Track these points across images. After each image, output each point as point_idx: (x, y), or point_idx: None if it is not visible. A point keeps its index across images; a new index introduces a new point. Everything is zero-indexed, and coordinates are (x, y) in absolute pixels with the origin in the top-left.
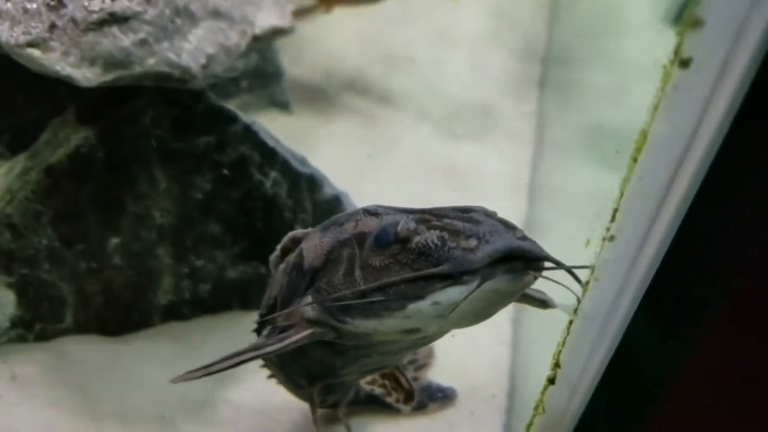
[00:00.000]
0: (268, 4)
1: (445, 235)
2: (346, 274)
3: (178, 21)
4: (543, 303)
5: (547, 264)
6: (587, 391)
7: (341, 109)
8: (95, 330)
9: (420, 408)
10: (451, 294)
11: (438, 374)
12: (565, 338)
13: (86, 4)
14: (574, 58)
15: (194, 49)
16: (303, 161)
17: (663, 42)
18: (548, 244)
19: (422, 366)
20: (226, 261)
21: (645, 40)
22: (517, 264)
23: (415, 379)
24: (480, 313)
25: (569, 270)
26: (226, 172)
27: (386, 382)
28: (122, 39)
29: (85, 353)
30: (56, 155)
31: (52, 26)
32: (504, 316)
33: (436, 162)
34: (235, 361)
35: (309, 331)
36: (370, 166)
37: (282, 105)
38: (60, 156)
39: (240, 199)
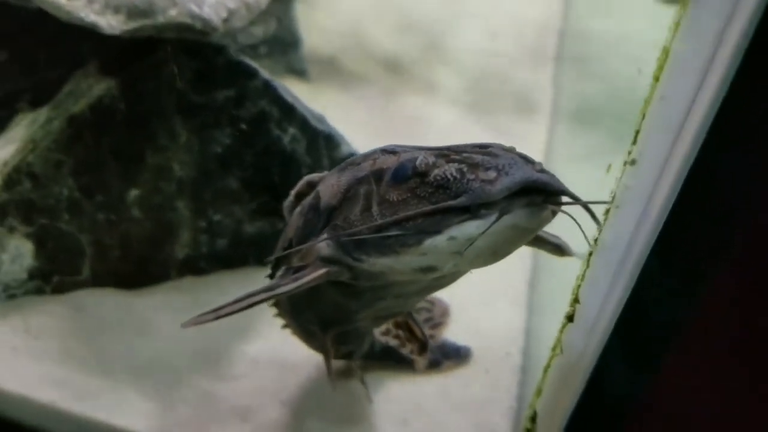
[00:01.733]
0: None
1: (464, 167)
2: (363, 211)
3: None
4: (559, 249)
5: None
6: (605, 330)
7: (358, 77)
8: (112, 283)
9: (435, 366)
10: (468, 229)
11: (453, 334)
12: (585, 271)
13: None
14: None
15: (215, 2)
16: (321, 119)
17: None
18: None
19: (437, 324)
20: (243, 216)
21: None
22: (535, 198)
23: (431, 337)
24: (497, 251)
25: (586, 206)
26: (244, 126)
27: (400, 332)
28: None
29: (101, 306)
30: (78, 105)
31: None
32: (520, 278)
33: (452, 131)
34: (247, 302)
35: (324, 270)
36: (386, 132)
37: (299, 73)
38: (82, 106)
39: (258, 155)
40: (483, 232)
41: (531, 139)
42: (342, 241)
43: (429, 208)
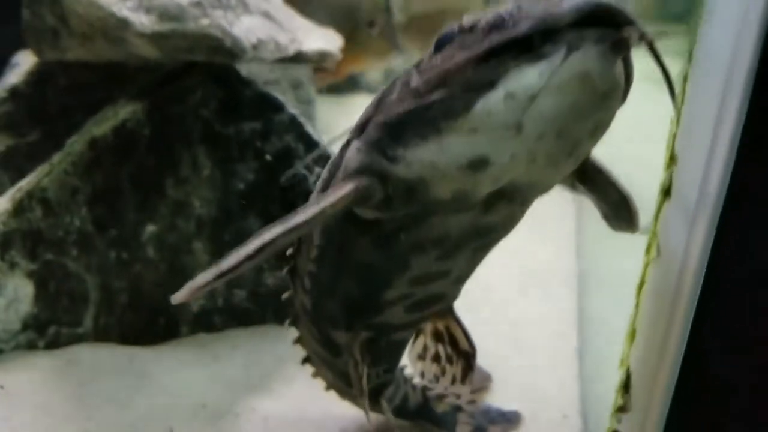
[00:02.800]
0: (318, 34)
1: (521, 2)
2: (400, 92)
3: (233, 1)
4: (624, 205)
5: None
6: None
7: None
8: (116, 337)
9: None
10: (529, 76)
11: (499, 402)
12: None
13: None
14: None
15: (246, 29)
16: None
17: None
18: None
19: (479, 390)
20: (263, 263)
21: None
22: (608, 32)
23: (472, 402)
24: (562, 128)
25: (654, 51)
26: (269, 158)
27: (440, 348)
28: None
29: (98, 357)
30: (102, 128)
31: None
32: (567, 345)
33: None
34: (258, 245)
35: (352, 185)
36: None
37: None
38: (105, 129)
39: (282, 193)
40: (548, 81)
41: None
42: (375, 139)
43: (481, 48)
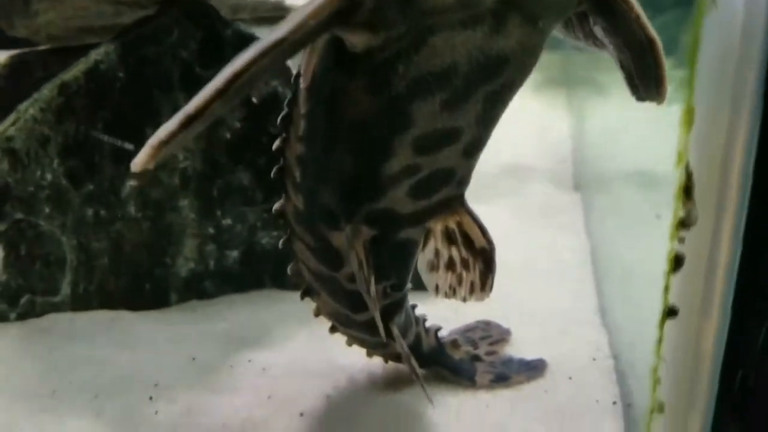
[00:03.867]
0: None
1: None
2: None
3: None
4: (656, 63)
5: None
6: None
7: None
8: (96, 306)
9: (502, 380)
10: None
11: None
12: None
13: None
14: None
15: None
16: None
17: None
18: None
19: (498, 341)
20: (256, 221)
21: None
22: None
23: (492, 353)
24: None
25: None
26: (256, 103)
27: (453, 252)
28: None
29: (74, 326)
30: (72, 71)
31: None
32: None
33: None
34: (229, 75)
35: None
36: None
37: None
38: (76, 72)
39: (272, 143)
40: None
41: None
42: None
43: None
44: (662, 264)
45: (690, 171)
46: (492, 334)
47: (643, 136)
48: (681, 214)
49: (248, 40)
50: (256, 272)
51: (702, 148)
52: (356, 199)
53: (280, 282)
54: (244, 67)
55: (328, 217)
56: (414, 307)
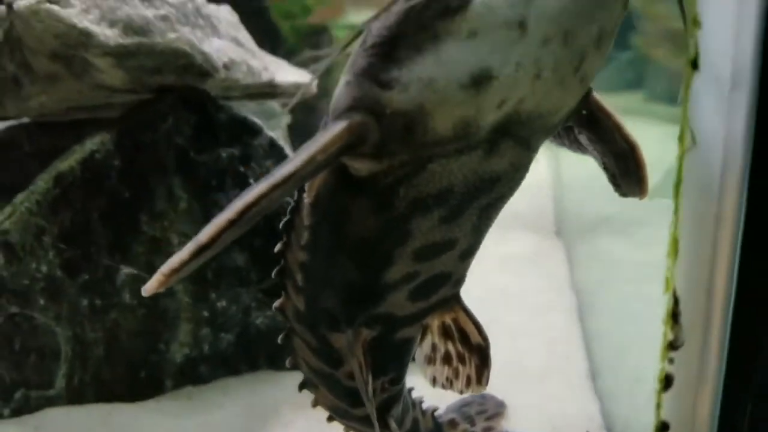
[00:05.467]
0: (291, 69)
1: None
2: (387, 8)
3: (201, 21)
4: (632, 155)
5: None
6: None
7: None
8: (92, 397)
9: None
10: None
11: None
12: None
13: None
14: None
15: (217, 48)
16: None
17: None
18: None
19: (494, 416)
20: (251, 301)
21: None
22: None
23: (489, 429)
24: (568, 22)
25: None
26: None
27: (450, 346)
28: (144, 10)
29: (70, 421)
30: (68, 161)
31: None
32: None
33: None
34: (240, 207)
35: (344, 124)
36: None
37: None
38: (72, 162)
39: (266, 224)
40: None
41: None
42: (365, 66)
43: None
44: (649, 330)
45: (677, 297)
46: (488, 408)
47: None
48: (670, 337)
49: (241, 123)
50: (251, 354)
51: (688, 276)
52: (357, 305)
53: (275, 363)
54: (256, 199)
55: (329, 320)
56: (411, 390)
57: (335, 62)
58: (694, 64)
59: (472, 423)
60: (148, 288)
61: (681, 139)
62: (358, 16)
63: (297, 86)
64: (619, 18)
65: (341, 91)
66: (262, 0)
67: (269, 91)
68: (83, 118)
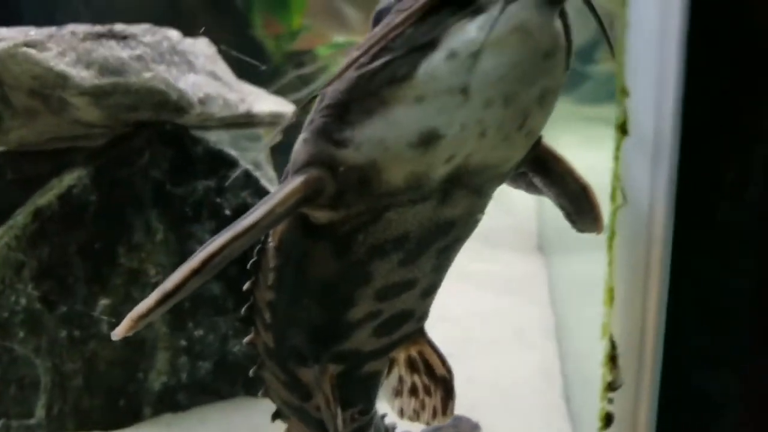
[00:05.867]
0: (269, 98)
1: None
2: (342, 71)
3: (177, 58)
4: (584, 196)
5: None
6: None
7: None
8: (71, 426)
9: None
10: (469, 31)
11: None
12: None
13: (89, 26)
14: None
15: (192, 83)
16: None
17: None
18: None
19: None
20: (228, 329)
21: None
22: None
23: None
24: (508, 85)
25: (590, 3)
26: (228, 213)
27: (416, 379)
28: (119, 51)
29: None
30: (46, 197)
31: (51, 35)
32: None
33: None
34: (204, 257)
35: (301, 179)
36: None
37: None
38: (50, 197)
39: (242, 254)
40: (488, 34)
41: None
42: (321, 126)
43: (418, 5)
44: None
45: (614, 342)
46: (462, 430)
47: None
48: (609, 378)
49: (217, 156)
50: (229, 381)
51: (623, 321)
52: (323, 343)
53: (253, 389)
54: (218, 249)
55: (297, 356)
56: (384, 416)
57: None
58: (623, 129)
59: None
60: (118, 332)
61: (613, 197)
62: (339, 38)
63: (273, 115)
64: (562, 77)
65: (300, 147)
66: (247, 23)
67: (246, 121)
68: (64, 147)
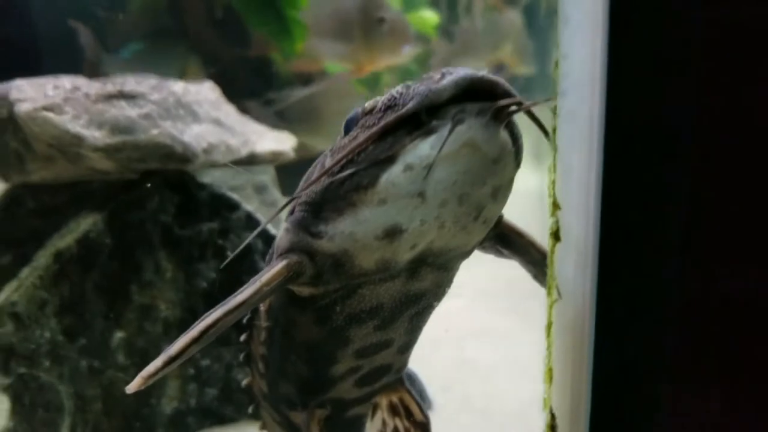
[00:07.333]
0: (270, 136)
1: (410, 83)
2: (319, 173)
3: (182, 111)
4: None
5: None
6: None
7: None
8: None
9: None
10: (423, 149)
11: None
12: None
13: (100, 86)
14: None
15: (196, 135)
16: None
17: None
18: None
19: None
20: (232, 359)
21: None
22: (488, 104)
23: None
24: (462, 194)
25: (531, 113)
26: (229, 253)
27: (397, 423)
28: (129, 110)
29: None
30: (65, 240)
31: (67, 98)
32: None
33: None
34: (202, 328)
35: (283, 263)
36: None
37: None
38: (69, 241)
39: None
40: (439, 152)
41: None
42: (300, 219)
43: (377, 127)
44: None
45: (553, 412)
46: None
47: None
48: None
49: (220, 199)
50: (234, 405)
51: (561, 396)
52: (310, 393)
53: (256, 413)
54: (213, 322)
55: (287, 402)
56: None
57: None
58: (556, 237)
59: None
60: (131, 387)
61: (549, 292)
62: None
63: (274, 153)
64: (513, 173)
65: (282, 235)
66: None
67: (249, 160)
68: (83, 180)
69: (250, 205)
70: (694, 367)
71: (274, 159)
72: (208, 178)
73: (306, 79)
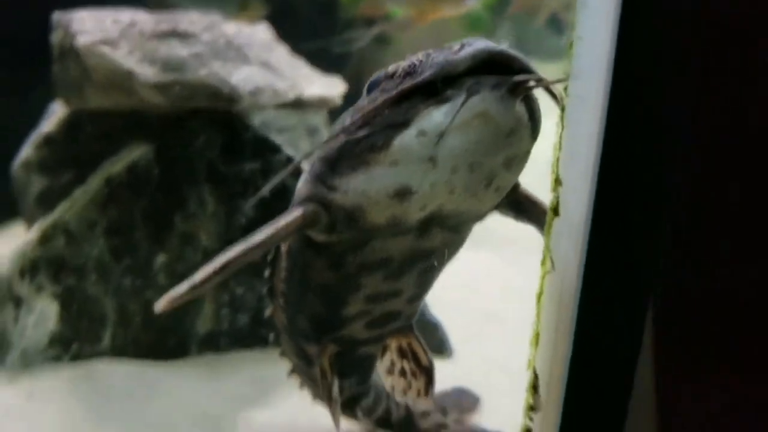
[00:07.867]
0: (319, 81)
1: (431, 52)
2: (339, 130)
3: (232, 53)
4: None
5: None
6: None
7: None
8: (131, 353)
9: None
10: (436, 116)
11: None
12: None
13: (156, 23)
14: None
15: (244, 77)
16: None
17: None
18: None
19: (467, 410)
20: (263, 290)
21: None
22: (504, 78)
23: (457, 421)
24: (473, 161)
25: (548, 88)
26: (268, 196)
27: (405, 364)
28: (180, 49)
29: (114, 373)
30: (117, 166)
31: (123, 33)
32: None
33: None
34: (223, 261)
35: (300, 210)
36: None
37: None
38: (120, 168)
39: None
40: (452, 121)
41: None
42: (318, 171)
43: (395, 92)
44: None
45: (536, 373)
46: (462, 402)
47: None
48: (531, 402)
49: (263, 142)
50: (262, 334)
51: (544, 359)
52: (323, 329)
53: (276, 341)
54: (234, 258)
55: (303, 336)
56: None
57: None
58: (556, 211)
59: (445, 413)
60: (158, 307)
61: (543, 263)
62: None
63: (321, 98)
64: (528, 145)
65: (302, 184)
66: None
67: (296, 104)
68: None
69: (302, 146)
70: (674, 356)
71: (321, 104)
72: (258, 118)
73: (369, 23)
